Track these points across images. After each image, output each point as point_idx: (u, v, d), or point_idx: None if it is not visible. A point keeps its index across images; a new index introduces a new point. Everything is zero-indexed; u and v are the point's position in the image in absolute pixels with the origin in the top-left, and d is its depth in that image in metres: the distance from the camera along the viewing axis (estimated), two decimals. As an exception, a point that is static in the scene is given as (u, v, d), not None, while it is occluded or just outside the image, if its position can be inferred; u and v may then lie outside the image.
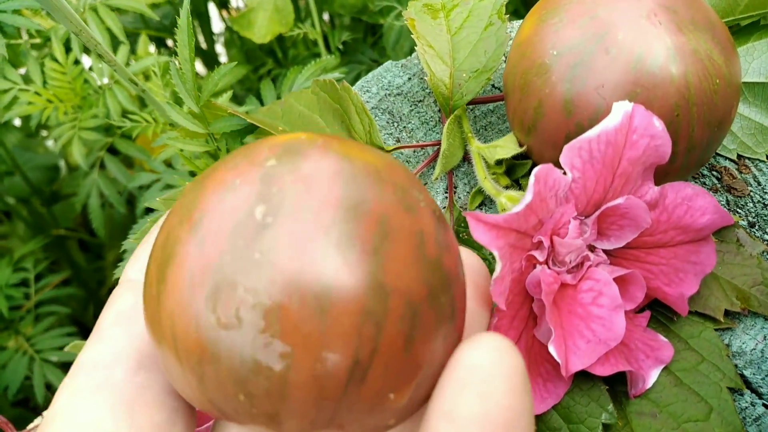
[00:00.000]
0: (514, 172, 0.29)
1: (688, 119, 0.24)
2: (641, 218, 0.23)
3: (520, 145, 0.28)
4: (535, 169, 0.21)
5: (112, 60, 0.34)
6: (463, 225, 0.28)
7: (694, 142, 0.25)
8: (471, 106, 0.33)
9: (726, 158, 0.30)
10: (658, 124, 0.23)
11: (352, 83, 0.56)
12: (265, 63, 0.67)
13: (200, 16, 0.64)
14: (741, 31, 0.30)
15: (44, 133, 0.85)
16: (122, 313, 0.17)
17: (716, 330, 0.26)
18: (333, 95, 0.32)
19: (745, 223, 0.28)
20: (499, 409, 0.14)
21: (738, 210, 0.29)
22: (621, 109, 0.23)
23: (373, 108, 0.33)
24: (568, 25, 0.25)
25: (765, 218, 0.28)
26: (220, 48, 0.78)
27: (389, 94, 0.34)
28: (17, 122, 0.82)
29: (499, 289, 0.21)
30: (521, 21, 0.31)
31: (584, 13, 0.25)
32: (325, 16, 0.69)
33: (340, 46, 0.58)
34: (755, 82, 0.29)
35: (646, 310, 0.26)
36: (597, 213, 0.23)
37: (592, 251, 0.25)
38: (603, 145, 0.22)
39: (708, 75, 0.24)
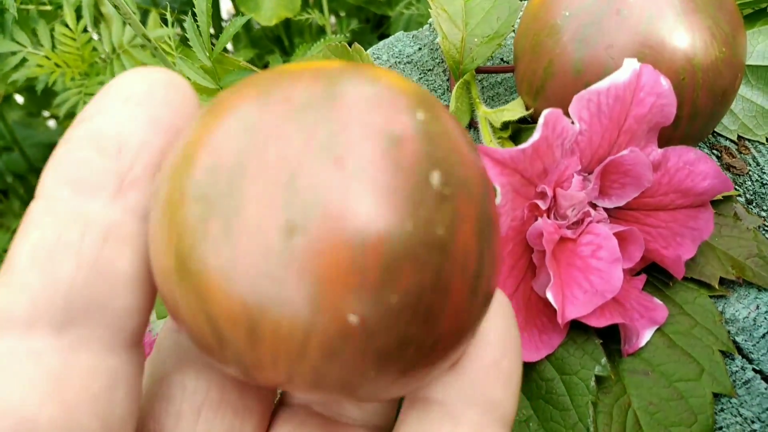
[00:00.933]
0: (519, 137, 0.29)
1: (693, 84, 0.25)
2: (643, 176, 0.24)
3: (527, 109, 0.28)
4: (545, 111, 0.21)
5: (127, 13, 0.34)
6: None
7: (698, 109, 0.25)
8: (479, 77, 0.33)
9: (726, 138, 0.31)
10: (665, 83, 0.23)
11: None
12: (273, 51, 0.68)
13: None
14: (747, 18, 0.31)
15: (46, 113, 0.85)
16: (40, 248, 0.13)
17: (710, 297, 0.26)
18: (345, 57, 0.32)
19: (743, 200, 0.29)
20: (488, 347, 0.14)
21: (737, 187, 0.29)
22: (630, 66, 0.23)
23: (382, 74, 0.34)
24: (581, -12, 0.26)
25: (762, 196, 0.29)
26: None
27: (399, 62, 0.34)
28: (20, 99, 0.83)
29: None
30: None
31: (597, -23, 0.26)
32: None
33: (347, 35, 0.59)
34: (758, 65, 0.30)
35: (641, 274, 0.26)
36: (601, 166, 0.24)
37: (594, 209, 0.25)
38: (611, 100, 0.23)
39: (715, 42, 0.25)
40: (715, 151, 0.30)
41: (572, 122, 0.23)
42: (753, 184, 0.29)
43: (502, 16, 0.30)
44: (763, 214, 0.28)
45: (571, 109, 0.23)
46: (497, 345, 0.14)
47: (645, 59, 0.24)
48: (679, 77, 0.24)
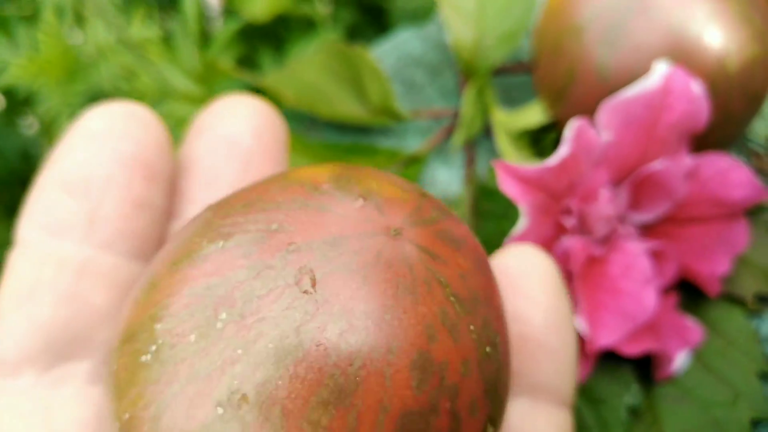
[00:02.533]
0: (537, 144, 0.28)
1: (726, 87, 0.23)
2: (676, 188, 0.22)
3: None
4: (574, 122, 0.20)
5: (105, 11, 0.32)
6: (481, 197, 0.27)
7: (731, 113, 0.24)
8: (494, 80, 0.32)
9: (755, 142, 0.29)
10: (696, 88, 0.22)
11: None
12: (262, 48, 0.66)
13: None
14: None
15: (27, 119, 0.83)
16: (19, 290, 0.13)
17: (744, 315, 0.24)
18: (343, 60, 0.30)
19: (773, 207, 0.27)
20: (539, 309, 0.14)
21: (766, 194, 0.27)
22: (660, 70, 0.21)
23: (389, 77, 0.32)
24: (605, -14, 0.24)
25: (794, 203, 0.27)
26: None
27: (406, 65, 0.32)
28: None
29: None
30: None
31: (622, -27, 0.24)
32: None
33: (343, 29, 0.57)
34: (788, 63, 0.28)
35: (672, 292, 0.24)
36: (631, 178, 0.22)
37: (622, 224, 0.23)
38: (640, 107, 0.21)
39: (749, 41, 0.23)
40: (743, 155, 0.29)
41: (599, 133, 0.21)
42: (784, 190, 0.27)
43: (518, 13, 0.28)
44: (796, 222, 0.27)
45: (598, 119, 0.21)
46: (542, 323, 0.14)
47: (675, 62, 0.23)
48: (711, 80, 0.23)
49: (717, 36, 0.23)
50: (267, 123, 0.16)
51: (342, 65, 0.31)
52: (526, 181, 0.19)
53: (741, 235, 0.24)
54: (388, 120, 0.29)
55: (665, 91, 0.21)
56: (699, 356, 0.23)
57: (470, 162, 0.29)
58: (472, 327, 0.10)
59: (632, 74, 0.23)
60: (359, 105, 0.30)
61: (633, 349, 0.22)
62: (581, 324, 0.21)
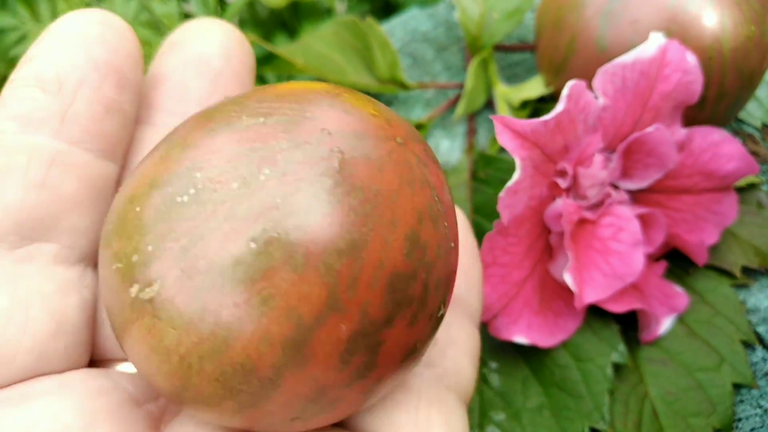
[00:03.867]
0: (538, 116, 0.28)
1: (721, 63, 0.24)
2: (668, 155, 0.23)
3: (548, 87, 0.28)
4: (569, 83, 0.20)
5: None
6: (480, 165, 0.28)
7: (725, 90, 0.24)
8: (497, 56, 0.32)
9: (750, 125, 0.30)
10: (691, 59, 0.22)
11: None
12: (276, 34, 0.67)
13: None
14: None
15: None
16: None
17: (732, 286, 0.25)
18: (354, 33, 0.31)
19: (766, 188, 0.28)
20: None
21: (760, 176, 0.28)
22: (656, 40, 0.22)
23: (397, 51, 0.33)
24: (607, -39, 0.25)
25: (786, 185, 0.28)
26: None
27: (414, 40, 0.33)
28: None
29: (508, 201, 0.20)
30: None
31: (624, -51, 0.25)
32: None
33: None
34: (785, 50, 0.29)
35: (661, 260, 0.25)
36: (624, 144, 0.23)
37: (615, 190, 0.24)
38: (636, 74, 0.22)
39: (744, 20, 0.24)
40: (738, 138, 0.29)
41: (596, 97, 0.22)
42: (776, 172, 0.28)
43: (523, -8, 0.29)
44: (787, 202, 0.27)
45: (595, 83, 0.22)
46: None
47: (671, 37, 0.23)
48: (706, 56, 0.23)
49: (713, 14, 0.23)
50: (236, 46, 0.17)
51: (352, 36, 0.32)
52: (523, 135, 0.20)
53: (730, 208, 0.24)
54: (395, 89, 0.30)
55: (661, 62, 0.22)
56: (685, 323, 0.24)
57: (471, 132, 0.30)
58: (446, 224, 0.12)
59: (630, 46, 0.24)
60: (368, 74, 0.31)
61: (619, 308, 0.22)
62: (571, 281, 0.22)
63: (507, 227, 0.22)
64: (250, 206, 0.11)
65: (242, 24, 0.72)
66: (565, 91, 0.20)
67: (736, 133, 0.29)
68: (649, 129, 0.22)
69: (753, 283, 0.25)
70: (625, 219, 0.23)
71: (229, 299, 0.10)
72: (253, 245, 0.10)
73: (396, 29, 0.34)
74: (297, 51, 0.33)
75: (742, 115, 0.30)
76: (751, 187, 0.27)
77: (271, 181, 0.11)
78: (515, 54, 0.32)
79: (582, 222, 0.23)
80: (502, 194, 0.20)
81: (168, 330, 0.11)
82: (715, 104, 0.25)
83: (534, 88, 0.27)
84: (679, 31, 0.23)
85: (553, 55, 0.26)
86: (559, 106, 0.20)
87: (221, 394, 0.11)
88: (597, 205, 0.24)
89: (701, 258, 0.24)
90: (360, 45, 0.31)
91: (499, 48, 0.31)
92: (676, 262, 0.25)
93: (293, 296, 0.10)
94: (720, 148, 0.24)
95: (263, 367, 0.11)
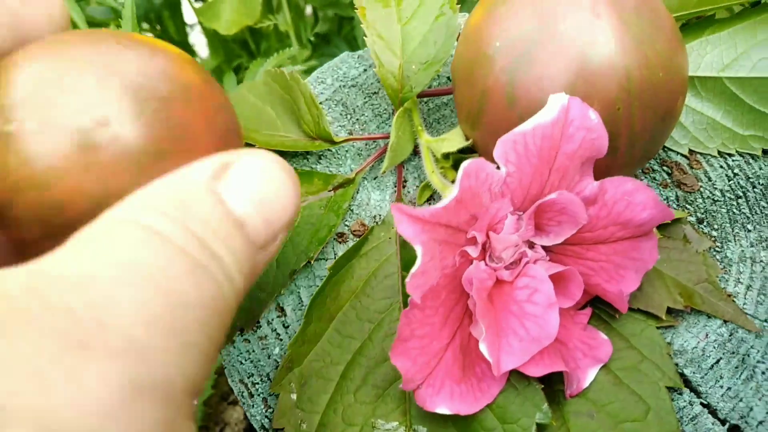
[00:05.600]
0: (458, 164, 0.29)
1: (629, 113, 0.24)
2: (578, 214, 0.23)
3: (467, 139, 0.28)
4: (464, 163, 0.21)
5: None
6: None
7: (636, 136, 0.24)
8: (424, 99, 0.32)
9: (678, 153, 0.30)
10: (594, 116, 0.22)
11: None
12: (240, 55, 0.67)
13: (171, 6, 0.63)
14: (695, 26, 0.30)
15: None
16: None
17: (658, 328, 0.25)
18: (283, 85, 0.31)
19: (693, 219, 0.28)
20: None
21: (687, 206, 0.28)
22: (557, 101, 0.22)
23: (327, 99, 0.33)
24: (513, 16, 0.25)
25: (714, 214, 0.28)
26: (197, 37, 0.77)
27: (344, 86, 0.33)
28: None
29: (417, 283, 0.21)
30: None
31: (527, 4, 0.24)
32: (308, 10, 0.68)
33: (312, 38, 0.57)
34: (707, 76, 0.29)
35: (587, 306, 0.25)
36: (533, 208, 0.23)
37: (531, 247, 0.24)
38: (538, 139, 0.22)
39: (650, 67, 0.23)
40: (665, 168, 0.29)
41: (498, 167, 0.22)
42: (704, 202, 0.28)
43: (440, 41, 0.29)
44: (714, 233, 0.27)
45: (496, 153, 0.22)
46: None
47: (578, 91, 0.23)
48: (614, 107, 0.23)
49: (619, 64, 0.23)
50: None
51: (282, 89, 0.32)
52: (422, 220, 0.20)
53: (650, 253, 0.25)
54: (324, 145, 0.30)
55: (564, 121, 0.22)
56: (612, 370, 0.24)
57: (400, 183, 0.30)
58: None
59: (539, 102, 0.24)
60: (297, 130, 0.31)
61: (539, 371, 0.23)
62: (486, 350, 0.22)
63: (423, 300, 0.22)
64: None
65: (210, 45, 0.72)
66: (460, 173, 0.20)
67: (663, 162, 0.29)
68: (553, 195, 0.22)
69: (679, 323, 0.25)
70: (539, 280, 0.23)
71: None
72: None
73: (327, 75, 0.34)
74: (234, 102, 0.33)
75: (668, 142, 0.30)
76: (677, 220, 0.27)
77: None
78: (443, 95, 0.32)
79: (499, 283, 0.24)
80: (408, 279, 0.21)
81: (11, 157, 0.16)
82: (627, 151, 0.25)
83: (454, 140, 0.27)
84: (585, 85, 0.23)
85: (469, 109, 0.26)
86: (455, 190, 0.20)
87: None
88: (513, 264, 0.24)
89: (623, 307, 0.24)
90: (289, 98, 0.31)
91: (422, 94, 0.31)
92: (601, 306, 0.26)
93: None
94: (634, 197, 0.24)
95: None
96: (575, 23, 0.23)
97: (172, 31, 0.68)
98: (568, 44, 0.23)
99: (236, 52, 0.67)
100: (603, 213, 0.24)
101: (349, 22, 0.58)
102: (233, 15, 0.54)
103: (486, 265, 0.23)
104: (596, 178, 0.24)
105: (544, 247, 0.24)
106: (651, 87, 0.24)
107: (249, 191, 0.16)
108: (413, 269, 0.20)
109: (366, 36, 0.29)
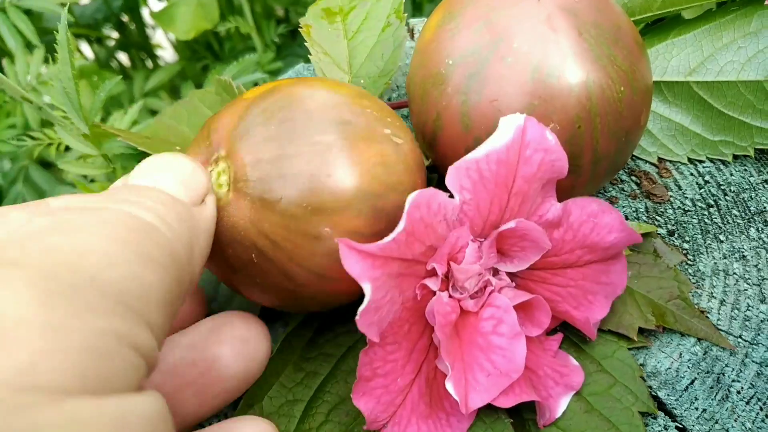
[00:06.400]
0: (431, 183, 0.27)
1: (591, 131, 0.23)
2: (540, 240, 0.22)
3: (427, 158, 0.26)
4: (411, 196, 0.19)
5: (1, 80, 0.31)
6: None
7: (600, 154, 0.23)
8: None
9: (646, 161, 0.29)
10: (551, 137, 0.21)
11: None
12: (205, 56, 0.65)
13: (131, 9, 0.61)
14: (660, 28, 0.29)
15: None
16: None
17: (630, 349, 0.24)
18: (233, 97, 0.30)
19: (664, 231, 0.27)
20: None
21: (657, 217, 0.27)
22: (512, 124, 0.21)
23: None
24: (463, 31, 0.23)
25: (685, 225, 0.27)
26: (162, 35, 0.75)
27: (299, 101, 0.32)
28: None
29: (369, 320, 0.19)
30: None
31: (479, 17, 0.23)
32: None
33: (276, 39, 0.56)
34: (674, 80, 0.28)
35: (558, 331, 0.24)
36: (493, 236, 0.22)
37: (496, 274, 0.23)
38: (493, 164, 0.21)
39: (611, 83, 0.22)
40: (634, 178, 0.28)
41: (451, 195, 0.21)
42: (675, 212, 0.27)
43: (387, 52, 0.28)
44: (686, 245, 0.26)
45: (448, 181, 0.21)
46: None
47: (535, 111, 0.22)
48: (574, 126, 0.22)
49: (578, 82, 0.22)
50: None
51: (228, 99, 0.30)
52: (372, 255, 0.19)
53: (620, 276, 0.24)
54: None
55: (521, 144, 0.21)
56: (583, 397, 0.24)
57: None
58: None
59: (494, 125, 0.23)
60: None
61: (508, 402, 0.22)
62: (453, 389, 0.21)
63: (383, 337, 0.21)
64: None
65: (175, 46, 0.70)
66: (406, 206, 0.19)
67: (632, 172, 0.28)
68: (510, 224, 0.21)
69: (652, 343, 0.25)
70: (503, 310, 0.22)
71: None
72: None
73: (282, 90, 0.32)
74: (184, 113, 0.32)
75: (637, 151, 0.29)
76: (647, 235, 0.26)
77: None
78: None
79: (464, 314, 0.23)
80: (357, 317, 0.19)
81: None
82: (592, 168, 0.24)
83: (413, 160, 0.26)
84: (542, 105, 0.22)
85: (425, 129, 0.25)
86: (401, 224, 0.19)
87: None
88: (478, 293, 0.23)
89: (591, 334, 0.24)
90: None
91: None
92: (572, 329, 0.25)
93: None
94: (600, 219, 0.23)
95: None
96: (530, 39, 0.22)
97: (134, 33, 0.66)
98: (523, 61, 0.22)
99: (201, 53, 0.65)
100: (568, 236, 0.23)
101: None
102: (191, 19, 0.52)
103: (450, 296, 0.22)
104: (560, 198, 0.23)
105: (509, 274, 0.23)
106: (613, 104, 0.22)
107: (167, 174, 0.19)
108: (361, 307, 0.19)
109: (310, 55, 0.27)
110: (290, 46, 0.58)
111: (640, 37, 0.24)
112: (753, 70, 0.27)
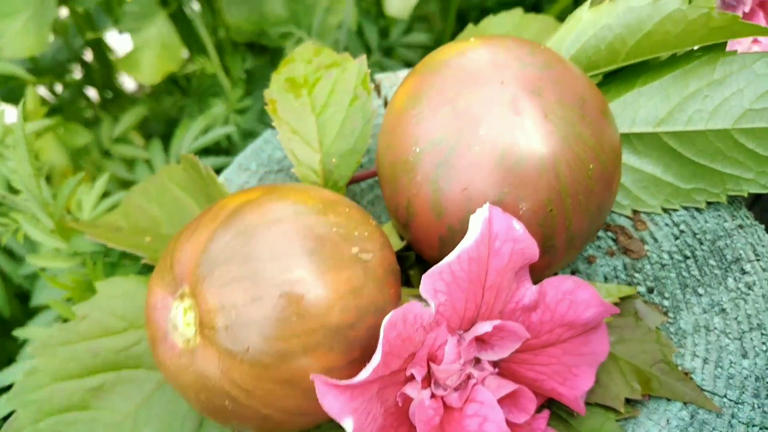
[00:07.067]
0: (400, 262, 0.27)
1: (563, 212, 0.22)
2: (517, 333, 0.22)
3: (402, 238, 0.26)
4: (386, 319, 0.19)
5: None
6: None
7: (574, 232, 0.23)
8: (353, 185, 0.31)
9: (621, 215, 0.28)
10: (519, 227, 0.21)
11: (260, 115, 0.53)
12: (172, 91, 0.64)
13: (94, 47, 0.59)
14: (625, 75, 0.28)
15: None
16: None
17: (619, 420, 0.24)
18: (200, 176, 0.29)
19: (643, 288, 0.27)
20: None
21: (636, 274, 0.27)
22: (479, 219, 0.21)
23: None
24: (429, 117, 0.23)
25: (663, 281, 0.27)
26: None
27: (269, 172, 0.31)
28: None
29: None
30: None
31: (444, 102, 0.23)
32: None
33: (242, 76, 0.55)
34: (644, 132, 0.28)
35: (545, 408, 0.24)
36: (471, 334, 0.22)
37: (478, 363, 0.23)
38: (465, 263, 0.21)
39: (580, 162, 0.22)
40: (610, 233, 0.28)
41: (425, 303, 0.20)
42: (652, 267, 0.27)
43: (357, 128, 0.27)
44: (666, 302, 0.26)
45: (422, 290, 0.20)
46: None
47: (506, 198, 0.22)
48: (546, 210, 0.22)
49: (546, 162, 0.22)
50: None
51: (200, 179, 0.30)
52: (352, 388, 0.19)
53: (601, 344, 0.23)
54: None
55: (489, 237, 0.21)
56: (575, 474, 0.24)
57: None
58: None
59: (467, 213, 0.22)
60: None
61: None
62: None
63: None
64: None
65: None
66: (382, 330, 0.19)
67: (607, 227, 0.28)
68: (486, 328, 0.21)
69: (639, 411, 0.25)
70: (488, 406, 0.22)
71: None
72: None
73: (250, 161, 0.32)
74: (153, 192, 0.31)
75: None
76: (627, 297, 0.26)
77: None
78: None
79: (448, 410, 0.22)
80: (342, 440, 0.19)
81: None
82: (567, 246, 0.23)
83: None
84: (512, 192, 0.22)
85: (397, 213, 0.25)
86: (377, 356, 0.19)
87: None
88: (461, 385, 0.23)
89: (580, 409, 0.23)
90: (204, 190, 0.29)
91: (350, 181, 0.29)
92: (558, 404, 0.25)
93: None
94: (575, 296, 0.23)
95: None
96: (495, 125, 0.22)
97: (98, 74, 0.65)
98: (490, 149, 0.22)
99: (167, 90, 0.64)
100: (546, 317, 0.23)
101: (281, 53, 0.55)
102: (156, 63, 0.51)
103: (432, 394, 0.22)
104: (539, 276, 0.23)
105: (491, 361, 0.23)
106: (583, 182, 0.22)
107: None
108: (347, 434, 0.19)
109: (278, 136, 0.27)
110: (258, 81, 0.57)
111: (605, 104, 0.24)
112: (720, 119, 0.26)
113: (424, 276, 0.20)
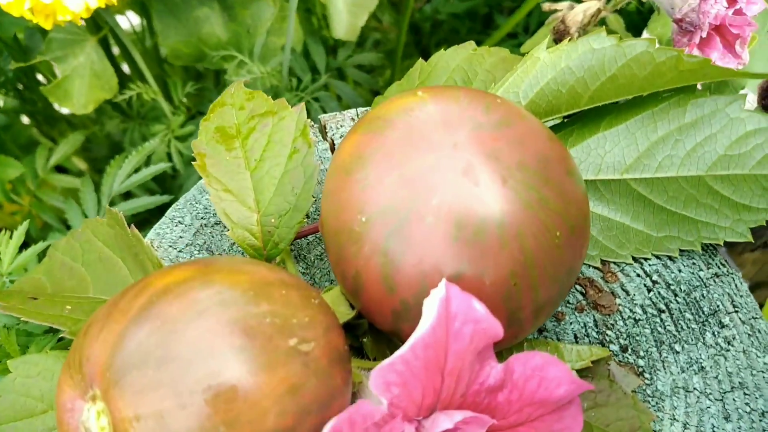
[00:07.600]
0: (352, 329, 0.25)
1: (528, 284, 0.20)
2: (482, 420, 0.20)
3: (352, 307, 0.24)
4: (328, 428, 0.17)
5: None
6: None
7: (541, 302, 0.21)
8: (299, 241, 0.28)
9: (590, 266, 0.26)
10: (479, 306, 0.19)
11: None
12: (113, 116, 0.60)
13: (26, 74, 0.56)
14: (589, 117, 0.26)
15: None
16: None
17: (595, 499, 0.22)
18: (126, 235, 0.26)
19: (616, 347, 0.25)
20: None
21: (608, 331, 0.25)
22: (435, 300, 0.18)
23: (188, 245, 0.28)
24: (376, 185, 0.20)
25: (637, 338, 0.25)
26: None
27: (205, 225, 0.28)
28: None
29: None
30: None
31: (392, 168, 0.20)
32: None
33: (184, 100, 0.51)
34: (610, 179, 0.26)
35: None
36: (431, 428, 0.19)
37: (441, 450, 0.21)
38: (420, 350, 0.18)
39: (546, 229, 0.20)
40: (578, 287, 0.26)
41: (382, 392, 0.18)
42: (625, 324, 0.25)
43: (298, 185, 0.24)
44: (641, 362, 0.24)
45: (372, 385, 0.18)
46: None
47: (465, 274, 0.20)
48: (509, 283, 0.20)
49: (507, 233, 0.19)
50: None
51: (128, 236, 0.27)
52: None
53: (574, 419, 0.21)
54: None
55: (447, 319, 0.18)
56: None
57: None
58: None
59: (421, 289, 0.20)
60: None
61: None
62: None
63: None
64: None
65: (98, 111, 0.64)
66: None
67: (576, 280, 0.26)
68: (447, 425, 0.19)
69: (617, 488, 0.23)
70: (453, 505, 0.19)
71: None
72: None
73: (185, 213, 0.29)
74: (78, 249, 0.28)
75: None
76: (600, 360, 0.24)
77: None
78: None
79: None
80: None
81: None
82: (534, 318, 0.21)
83: (337, 310, 0.23)
84: (471, 267, 0.20)
85: (345, 282, 0.22)
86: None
87: None
88: (423, 478, 0.20)
89: (553, 495, 0.21)
90: (136, 250, 0.26)
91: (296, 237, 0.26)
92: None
93: None
94: (545, 372, 0.20)
95: None
96: (449, 194, 0.19)
97: (32, 99, 0.60)
98: (445, 221, 0.19)
99: (108, 113, 0.61)
100: (514, 396, 0.21)
101: (223, 74, 0.52)
102: (87, 92, 0.48)
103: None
104: (503, 346, 0.21)
105: (455, 449, 0.21)
106: (550, 250, 0.20)
107: None
108: None
109: (210, 195, 0.24)
110: (200, 104, 0.54)
111: (570, 161, 0.21)
112: (693, 165, 0.25)
113: (373, 371, 0.18)
